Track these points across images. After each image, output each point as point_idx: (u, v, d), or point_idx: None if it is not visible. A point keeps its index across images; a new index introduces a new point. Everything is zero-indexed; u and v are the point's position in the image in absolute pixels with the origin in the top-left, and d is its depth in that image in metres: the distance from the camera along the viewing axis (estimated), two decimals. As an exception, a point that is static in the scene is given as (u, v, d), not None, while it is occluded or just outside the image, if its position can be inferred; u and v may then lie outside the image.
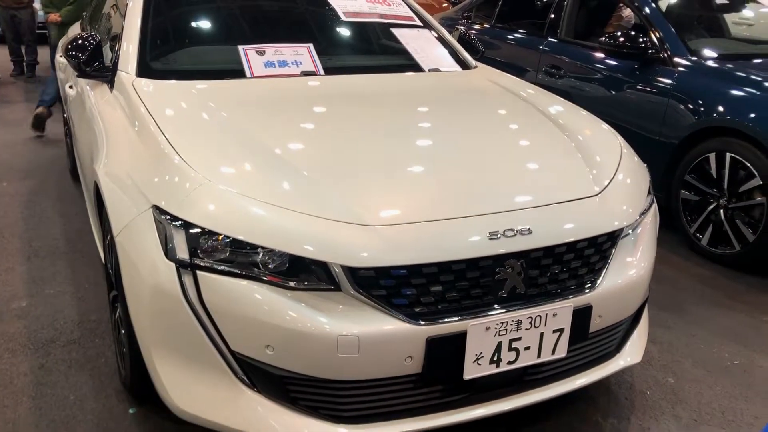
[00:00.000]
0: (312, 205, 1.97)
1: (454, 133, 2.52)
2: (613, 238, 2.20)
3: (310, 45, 3.09)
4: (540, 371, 2.16)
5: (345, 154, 2.26)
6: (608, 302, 2.17)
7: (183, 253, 1.95)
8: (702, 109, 3.90)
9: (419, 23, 3.54)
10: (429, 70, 3.21)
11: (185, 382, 2.03)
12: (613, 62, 4.51)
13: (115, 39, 3.14)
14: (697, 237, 3.95)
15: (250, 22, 3.32)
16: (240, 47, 2.97)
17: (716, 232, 3.86)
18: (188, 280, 1.94)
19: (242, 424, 1.96)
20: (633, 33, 4.37)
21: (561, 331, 2.07)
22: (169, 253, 1.96)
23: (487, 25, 5.96)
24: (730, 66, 4.04)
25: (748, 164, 3.64)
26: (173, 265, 1.95)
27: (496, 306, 1.99)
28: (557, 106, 2.91)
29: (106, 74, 2.93)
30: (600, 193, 2.24)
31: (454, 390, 2.03)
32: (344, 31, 3.44)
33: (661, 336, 3.06)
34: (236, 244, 1.92)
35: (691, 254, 3.98)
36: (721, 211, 3.82)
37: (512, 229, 1.99)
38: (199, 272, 1.93)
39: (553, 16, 5.19)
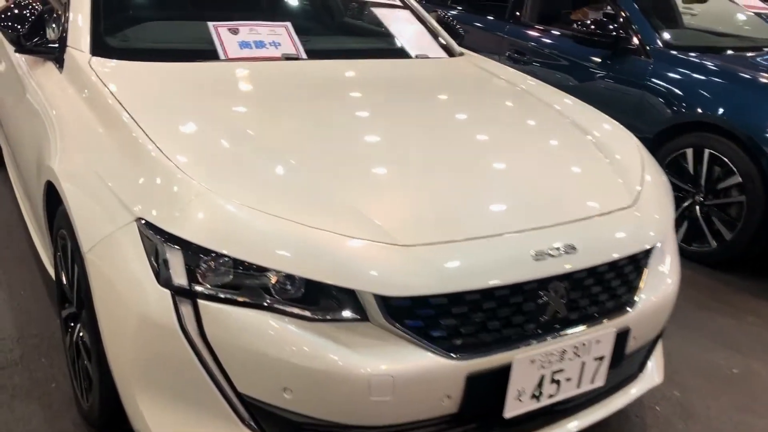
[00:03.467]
0: (333, 220, 1.68)
1: (468, 133, 2.25)
2: (647, 250, 2.02)
3: (288, 24, 2.76)
4: (571, 399, 1.96)
5: (359, 157, 1.97)
6: (644, 322, 1.99)
7: (180, 278, 1.62)
8: (678, 102, 3.80)
9: (399, 3, 3.26)
10: (416, 56, 2.93)
11: (176, 427, 1.72)
12: (582, 50, 4.35)
13: (57, 7, 2.70)
14: (670, 233, 3.88)
15: None
16: (210, 24, 2.60)
17: (691, 229, 3.79)
18: (186, 310, 1.62)
19: (249, 481, 1.68)
20: (604, 20, 4.23)
21: (602, 358, 1.88)
22: (161, 277, 1.64)
23: (440, 7, 5.71)
24: (707, 58, 3.96)
25: (727, 161, 3.57)
26: (168, 292, 1.62)
27: (539, 334, 1.77)
28: (565, 100, 2.70)
29: (52, 51, 2.51)
30: (635, 201, 2.05)
31: (490, 429, 1.81)
32: (322, 10, 3.11)
33: (654, 342, 2.95)
34: (244, 267, 1.62)
35: (663, 251, 3.90)
36: (697, 207, 3.75)
37: (558, 248, 1.77)
38: (200, 301, 1.62)
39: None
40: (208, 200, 1.67)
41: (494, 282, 1.67)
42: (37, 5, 2.53)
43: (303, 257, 1.62)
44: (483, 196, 1.89)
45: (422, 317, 1.64)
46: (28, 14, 2.50)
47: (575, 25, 4.21)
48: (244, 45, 2.63)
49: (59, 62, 2.47)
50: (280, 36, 2.72)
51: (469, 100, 2.59)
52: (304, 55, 2.64)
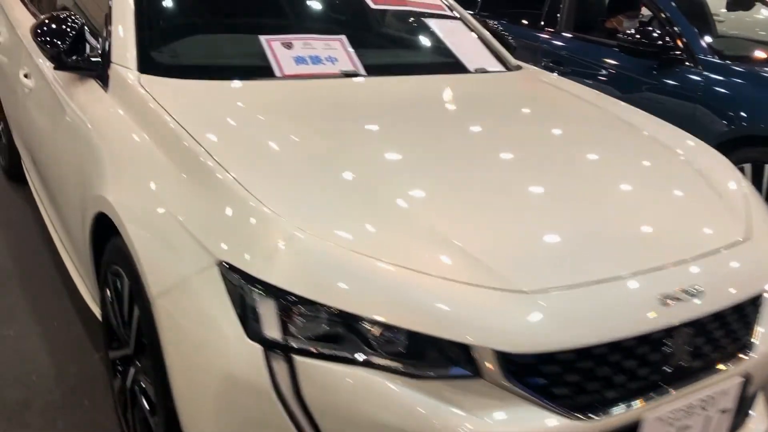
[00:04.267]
0: (440, 263, 1.49)
1: (563, 160, 2.05)
2: (765, 286, 1.84)
3: (343, 38, 2.57)
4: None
5: (457, 188, 1.78)
6: (764, 365, 1.81)
7: (273, 331, 1.44)
8: (735, 115, 3.64)
9: (450, 13, 3.08)
10: (475, 71, 2.75)
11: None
12: (625, 60, 4.19)
13: (97, 20, 2.51)
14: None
15: (266, 5, 2.75)
16: (262, 38, 2.41)
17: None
18: (280, 368, 1.43)
19: None
20: (648, 29, 4.07)
21: (727, 411, 1.70)
22: (250, 329, 1.45)
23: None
24: (763, 68, 3.79)
25: (789, 177, 3.42)
26: (258, 346, 1.43)
27: (664, 387, 1.59)
28: (648, 119, 2.52)
29: (94, 68, 2.31)
30: (748, 233, 1.87)
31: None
32: (374, 21, 2.93)
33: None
34: (343, 318, 1.43)
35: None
36: (756, 225, 3.58)
37: (686, 290, 1.58)
38: (295, 357, 1.43)
39: (549, 6, 4.82)
40: (302, 242, 1.48)
41: (626, 332, 1.49)
42: (77, 18, 2.34)
43: (409, 306, 1.43)
44: (595, 231, 1.70)
45: (546, 374, 1.46)
46: (67, 28, 2.30)
47: (622, 35, 4.04)
48: (299, 60, 2.44)
49: (103, 80, 2.28)
50: (336, 50, 2.53)
51: (552, 122, 2.38)
52: (363, 71, 2.46)
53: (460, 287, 1.46)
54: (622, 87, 4.17)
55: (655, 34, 4.02)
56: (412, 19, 2.99)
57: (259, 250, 1.49)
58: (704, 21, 4.99)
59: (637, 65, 4.11)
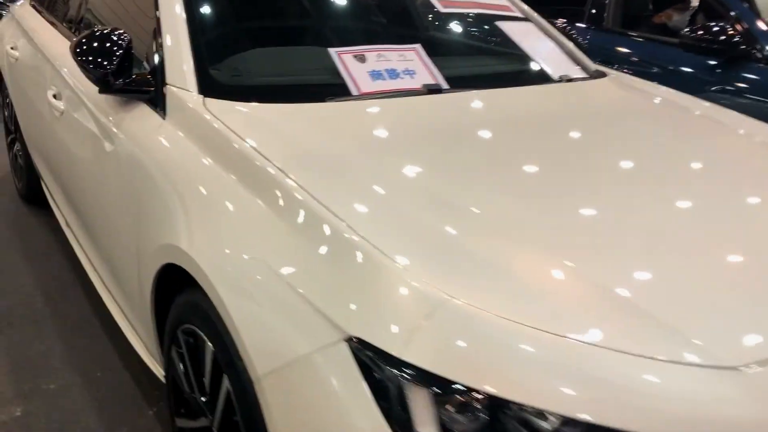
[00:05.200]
0: (628, 335, 1.20)
1: (710, 191, 1.74)
2: None
3: (418, 47, 2.28)
4: None
5: (615, 234, 1.48)
6: None
7: (426, 426, 1.15)
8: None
9: (519, 14, 2.79)
10: (560, 78, 2.47)
11: None
12: (685, 57, 3.91)
13: (142, 33, 2.22)
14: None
15: (329, 12, 2.46)
16: (332, 51, 2.13)
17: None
18: (436, 473, 1.15)
19: None
20: (713, 24, 3.79)
21: None
22: (396, 421, 1.17)
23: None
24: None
25: None
26: (408, 447, 1.15)
27: None
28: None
29: (146, 90, 2.03)
30: None
31: None
32: (444, 26, 2.64)
33: None
34: (510, 409, 1.15)
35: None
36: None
37: None
38: (455, 459, 1.15)
39: (593, 0, 4.54)
40: (455, 314, 1.20)
41: None
42: (124, 34, 2.04)
43: (597, 394, 1.15)
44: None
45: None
46: (113, 46, 2.01)
47: (693, 33, 3.75)
48: (375, 75, 2.15)
49: (157, 105, 1.99)
50: (412, 62, 2.24)
51: (677, 141, 2.08)
52: (445, 84, 2.17)
53: (668, 367, 1.17)
54: (683, 86, 3.89)
55: (717, 29, 3.74)
56: (482, 22, 2.71)
57: (399, 324, 1.20)
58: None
59: (699, 63, 3.84)
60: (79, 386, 2.42)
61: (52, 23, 3.15)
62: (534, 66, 2.49)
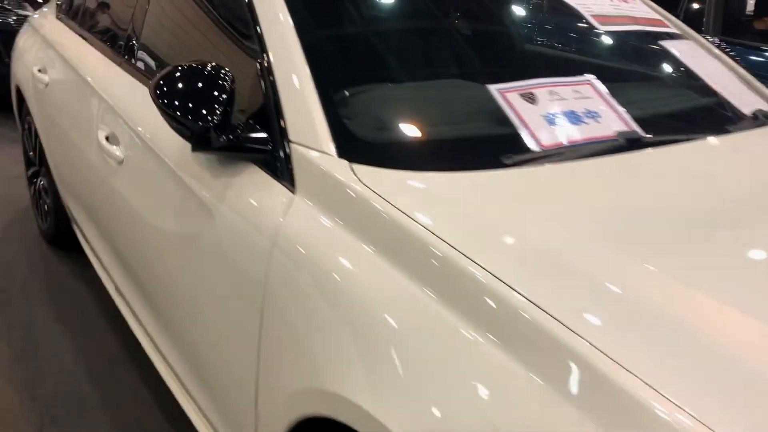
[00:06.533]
0: None
1: None
2: None
3: (592, 78, 1.77)
4: None
5: None
6: None
7: None
8: None
9: (676, 30, 2.27)
10: (756, 116, 1.94)
11: None
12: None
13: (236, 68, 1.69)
14: None
15: (475, 40, 1.93)
16: (493, 89, 1.60)
17: None
18: None
19: None
20: None
21: None
22: None
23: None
24: None
25: None
26: None
27: None
28: None
29: (261, 150, 1.50)
30: None
31: None
32: (604, 49, 2.10)
33: None
34: None
35: None
36: None
37: None
38: None
39: (687, 6, 4.03)
40: None
41: None
42: (226, 72, 1.50)
43: None
44: None
45: None
46: (213, 89, 1.48)
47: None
48: (552, 120, 1.63)
49: (274, 169, 1.46)
50: (591, 99, 1.72)
51: None
52: (640, 130, 1.65)
53: None
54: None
55: None
56: (643, 41, 2.18)
57: None
58: None
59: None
60: None
61: (93, 43, 2.60)
62: (722, 99, 1.96)
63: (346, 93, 1.56)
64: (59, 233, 3.31)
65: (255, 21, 1.66)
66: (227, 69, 1.52)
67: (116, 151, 2.07)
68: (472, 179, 1.35)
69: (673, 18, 2.37)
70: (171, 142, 1.73)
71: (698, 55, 2.17)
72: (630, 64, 2.13)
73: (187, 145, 1.54)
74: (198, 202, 1.62)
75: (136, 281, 2.12)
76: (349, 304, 1.19)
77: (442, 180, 1.33)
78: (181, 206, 1.71)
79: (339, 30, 1.76)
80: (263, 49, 1.60)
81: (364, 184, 1.29)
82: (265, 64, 1.58)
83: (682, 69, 2.06)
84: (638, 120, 1.67)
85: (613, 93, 1.74)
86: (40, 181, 3.40)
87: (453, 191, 1.30)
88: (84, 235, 2.79)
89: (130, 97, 2.10)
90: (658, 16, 2.27)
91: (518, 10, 2.17)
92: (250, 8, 1.70)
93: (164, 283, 1.87)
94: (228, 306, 1.51)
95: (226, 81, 1.49)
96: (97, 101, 2.28)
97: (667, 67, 2.12)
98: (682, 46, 2.17)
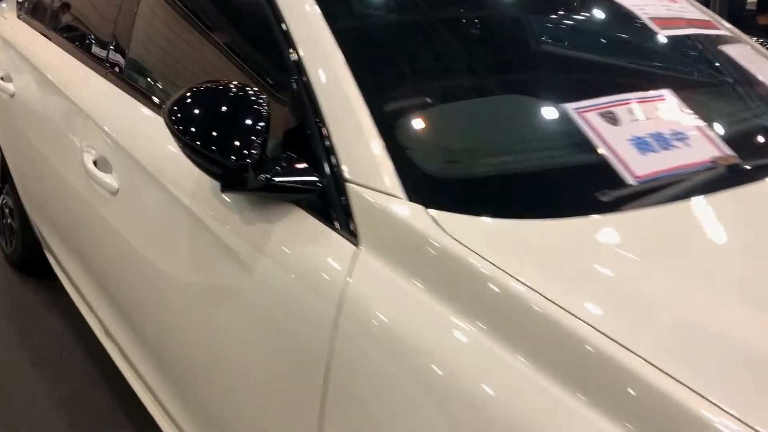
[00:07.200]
0: None
1: None
2: None
3: (668, 92, 1.55)
4: None
5: None
6: None
7: None
8: None
9: (727, 32, 2.07)
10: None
11: None
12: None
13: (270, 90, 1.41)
14: None
15: (538, 53, 1.68)
16: (571, 109, 1.37)
17: None
18: None
19: None
20: None
21: None
22: None
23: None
24: None
25: None
26: None
27: None
28: None
29: (305, 190, 1.23)
30: None
31: None
32: (672, 57, 1.88)
33: None
34: None
35: None
36: None
37: None
38: None
39: None
40: None
41: None
42: (260, 96, 1.23)
43: None
44: None
45: None
46: (247, 116, 1.21)
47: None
48: (641, 145, 1.40)
49: (326, 213, 1.20)
50: (673, 118, 1.51)
51: None
52: (731, 153, 1.44)
53: None
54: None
55: None
56: (703, 46, 1.96)
57: None
58: None
59: None
60: None
61: (69, 49, 2.27)
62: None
63: (404, 118, 1.31)
64: (26, 259, 2.98)
65: (285, 32, 1.39)
66: (258, 89, 1.25)
67: (108, 179, 1.77)
68: (583, 228, 1.11)
69: (719, 18, 2.17)
70: (181, 171, 1.45)
71: (756, 60, 1.97)
72: (697, 73, 1.92)
73: (203, 176, 1.27)
74: (225, 250, 1.35)
75: (135, 329, 1.83)
76: (449, 399, 0.94)
77: (547, 231, 1.09)
78: (201, 252, 1.43)
79: (396, 40, 1.49)
80: (300, 66, 1.33)
81: (446, 233, 1.04)
82: (303, 82, 1.31)
83: (746, 76, 1.85)
84: (727, 140, 1.46)
85: (693, 109, 1.52)
86: (3, 200, 3.05)
87: (570, 248, 1.06)
88: (60, 265, 2.48)
89: (123, 115, 1.80)
90: (707, 17, 2.07)
91: (576, 17, 1.94)
92: (275, 12, 1.42)
93: (174, 338, 1.59)
94: (275, 380, 1.24)
95: (262, 105, 1.22)
96: (79, 118, 1.97)
97: (732, 75, 1.92)
98: (740, 50, 1.97)
